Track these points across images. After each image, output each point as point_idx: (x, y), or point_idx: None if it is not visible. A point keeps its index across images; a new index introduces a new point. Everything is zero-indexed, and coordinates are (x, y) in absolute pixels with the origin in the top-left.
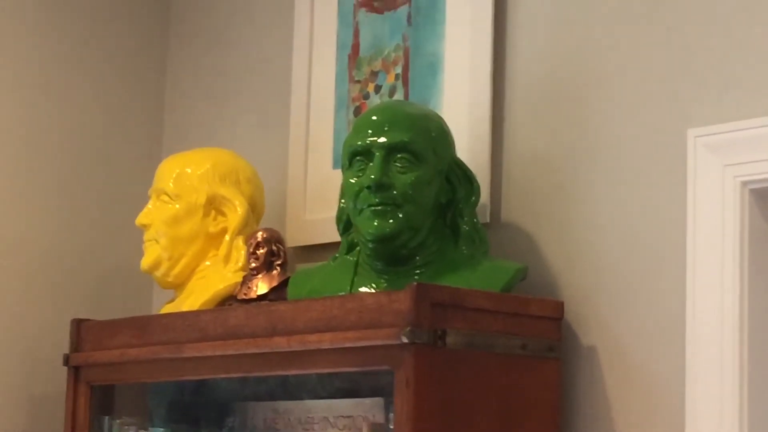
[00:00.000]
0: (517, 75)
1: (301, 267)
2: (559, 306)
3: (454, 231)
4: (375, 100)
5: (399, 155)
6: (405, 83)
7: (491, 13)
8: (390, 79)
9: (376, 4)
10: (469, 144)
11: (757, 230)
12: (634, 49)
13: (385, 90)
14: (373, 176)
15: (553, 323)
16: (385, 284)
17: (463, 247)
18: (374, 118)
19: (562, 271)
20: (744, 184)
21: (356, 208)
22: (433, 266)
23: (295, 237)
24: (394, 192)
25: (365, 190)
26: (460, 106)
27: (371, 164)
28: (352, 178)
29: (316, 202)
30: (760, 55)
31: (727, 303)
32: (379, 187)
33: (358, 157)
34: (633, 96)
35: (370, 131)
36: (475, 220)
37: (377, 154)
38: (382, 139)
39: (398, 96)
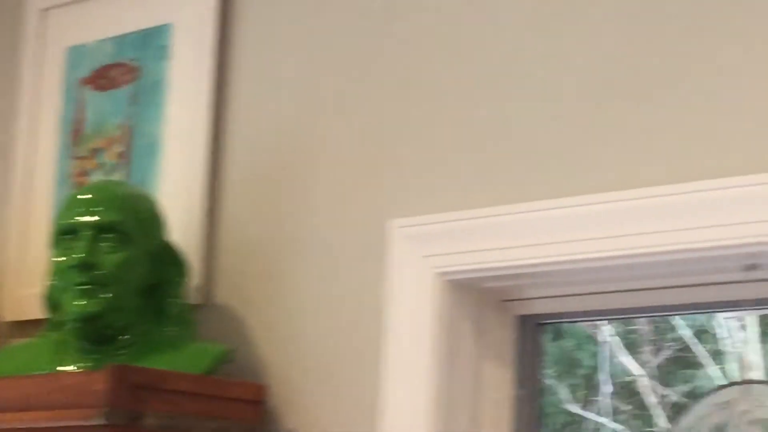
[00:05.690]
0: (233, 159)
1: (13, 342)
2: (260, 389)
3: (161, 312)
4: (96, 178)
5: (107, 234)
6: (127, 162)
7: (209, 97)
8: (111, 158)
9: (101, 81)
10: (184, 226)
11: (451, 320)
12: (342, 141)
13: (107, 168)
14: (79, 255)
15: (253, 406)
16: (91, 363)
17: (170, 329)
18: (81, 196)
19: (268, 354)
20: (441, 274)
21: (62, 286)
22: (138, 347)
23: (11, 311)
24: (101, 272)
25: (72, 269)
26: (176, 188)
27: (79, 243)
28: (59, 257)
29: (33, 277)
30: (456, 152)
31: (421, 393)
32: (85, 266)
33: (66, 235)
34: (338, 187)
35: (78, 209)
36: (183, 301)
37: (85, 233)
38: (89, 218)
39: (119, 175)
